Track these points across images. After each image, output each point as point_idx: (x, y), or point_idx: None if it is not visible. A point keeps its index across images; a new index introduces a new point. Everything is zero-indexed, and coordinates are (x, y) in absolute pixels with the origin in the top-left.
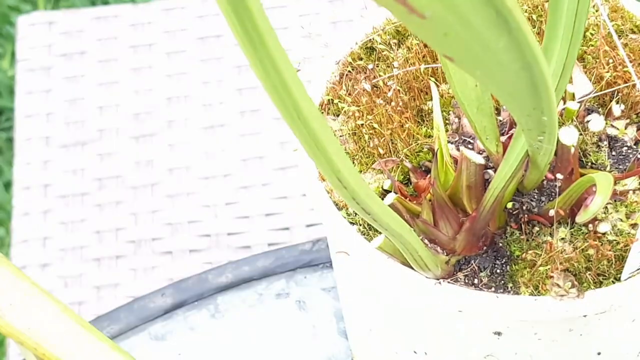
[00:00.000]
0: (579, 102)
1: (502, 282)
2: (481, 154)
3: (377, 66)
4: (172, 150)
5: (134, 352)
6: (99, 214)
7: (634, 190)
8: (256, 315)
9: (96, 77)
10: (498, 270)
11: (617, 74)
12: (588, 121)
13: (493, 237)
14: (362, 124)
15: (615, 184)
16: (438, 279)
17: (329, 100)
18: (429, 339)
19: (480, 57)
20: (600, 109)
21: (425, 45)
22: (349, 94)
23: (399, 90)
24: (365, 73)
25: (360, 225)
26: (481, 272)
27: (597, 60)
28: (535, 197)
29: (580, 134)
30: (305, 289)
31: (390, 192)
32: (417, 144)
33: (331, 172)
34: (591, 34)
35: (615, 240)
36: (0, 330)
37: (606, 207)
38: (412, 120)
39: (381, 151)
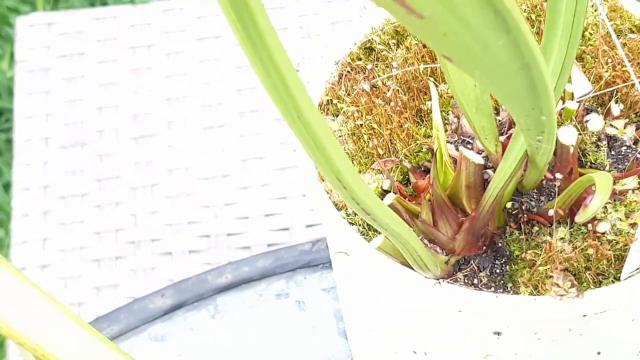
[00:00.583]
0: (578, 102)
1: (502, 282)
2: (480, 153)
3: (376, 66)
4: (172, 150)
5: (134, 353)
6: (98, 215)
7: (633, 190)
8: (256, 315)
9: (95, 78)
10: (497, 270)
11: (616, 73)
12: (587, 121)
13: (492, 237)
14: (361, 124)
15: (614, 183)
16: (437, 279)
17: (328, 100)
18: (428, 339)
19: (479, 57)
20: (599, 109)
21: (424, 46)
22: (348, 94)
23: (398, 90)
24: (365, 73)
25: (360, 225)
26: (481, 272)
27: (596, 59)
28: (535, 196)
29: (580, 134)
30: (305, 289)
31: (390, 192)
32: (416, 144)
33: (330, 172)
34: (590, 33)
35: (615, 239)
36: (0, 332)
37: (605, 207)
38: (411, 121)
39: (380, 151)
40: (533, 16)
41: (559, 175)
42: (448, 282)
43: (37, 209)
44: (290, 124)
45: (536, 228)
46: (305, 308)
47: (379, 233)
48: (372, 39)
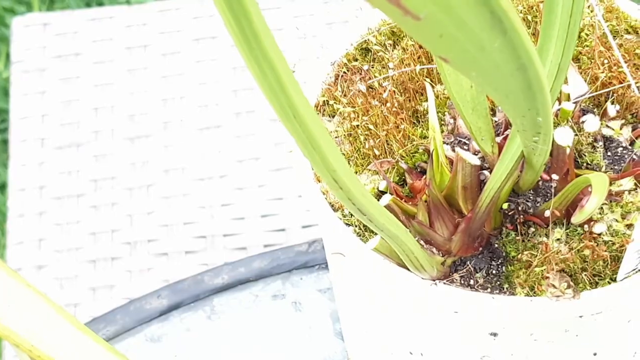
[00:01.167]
0: (574, 103)
1: (498, 283)
2: (477, 154)
3: (373, 67)
4: (168, 151)
5: (130, 353)
6: (94, 216)
7: (629, 191)
8: (252, 316)
9: (91, 78)
10: (494, 271)
11: (612, 74)
12: (583, 122)
13: (489, 238)
14: (358, 125)
15: (610, 184)
16: (434, 280)
17: (324, 101)
18: (425, 340)
19: (475, 58)
20: (595, 110)
21: (421, 46)
22: (345, 95)
23: (394, 91)
24: (361, 74)
25: (356, 226)
26: (477, 273)
27: (592, 60)
28: (531, 197)
29: (576, 135)
30: (301, 290)
31: (386, 193)
32: (413, 145)
33: (327, 172)
34: (586, 34)
35: (611, 240)
36: None
37: (601, 208)
38: (407, 121)
39: (377, 152)
40: (529, 17)
41: (555, 176)
42: (444, 283)
43: (32, 210)
44: (286, 124)
45: (532, 229)
46: (302, 309)
47: (375, 234)
48: (369, 40)
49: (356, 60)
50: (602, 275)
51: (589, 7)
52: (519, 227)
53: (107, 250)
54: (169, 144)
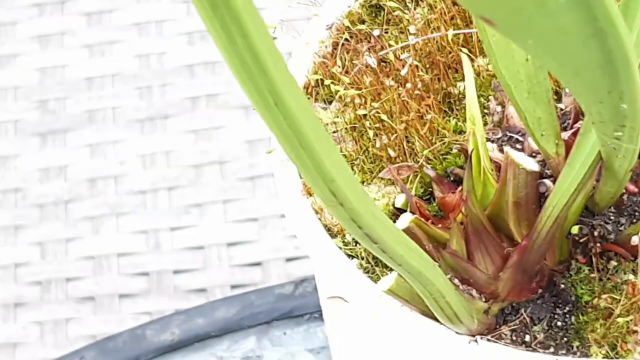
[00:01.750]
0: None
1: (565, 339)
2: (534, 157)
3: (386, 32)
4: (94, 153)
5: None
6: None
7: None
8: None
9: None
10: (559, 323)
11: None
12: None
13: (552, 275)
14: (365, 115)
15: None
16: (474, 336)
17: (317, 80)
18: None
19: (532, 19)
20: None
21: (455, 3)
22: (346, 72)
23: (417, 66)
24: (369, 42)
25: (363, 259)
26: (535, 325)
27: None
28: (612, 218)
29: None
30: (284, 349)
31: (405, 211)
32: (444, 143)
33: (321, 182)
34: None
35: None
36: None
37: None
38: (436, 109)
39: (392, 153)
40: None
41: None
42: (488, 340)
43: None
44: (264, 114)
45: (614, 263)
46: None
47: (391, 270)
48: None
49: (363, 22)
50: None
51: None
52: (594, 260)
53: (8, 293)
54: (95, 143)
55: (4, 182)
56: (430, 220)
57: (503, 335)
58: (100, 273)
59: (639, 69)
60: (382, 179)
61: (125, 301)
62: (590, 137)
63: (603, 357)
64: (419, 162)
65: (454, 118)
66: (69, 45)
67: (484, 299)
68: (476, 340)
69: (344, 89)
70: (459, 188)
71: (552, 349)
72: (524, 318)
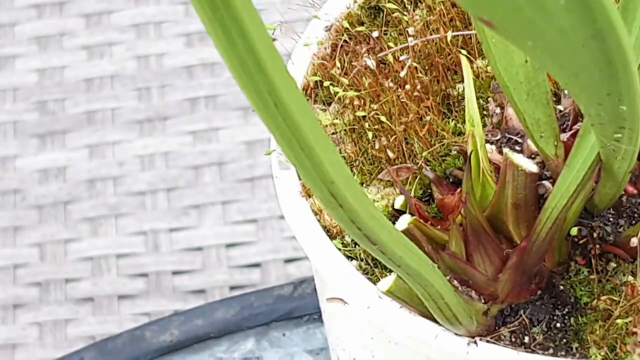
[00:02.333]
0: None
1: (565, 340)
2: (533, 158)
3: (385, 34)
4: (93, 154)
5: None
6: None
7: None
8: None
9: None
10: (558, 324)
11: None
12: None
13: (551, 277)
14: (364, 117)
15: None
16: (473, 337)
17: (316, 82)
18: None
19: (532, 21)
20: None
21: (454, 4)
22: (345, 74)
23: (416, 68)
24: (369, 43)
25: (362, 260)
26: (534, 326)
27: None
28: (611, 219)
29: None
30: (283, 351)
31: (405, 212)
32: (443, 145)
33: (321, 184)
34: None
35: None
36: None
37: None
38: (435, 111)
39: (391, 155)
40: None
41: None
42: (488, 341)
43: None
44: (263, 115)
45: (613, 264)
46: None
47: (390, 271)
48: None
49: (362, 23)
50: None
51: None
52: (593, 261)
53: (7, 294)
54: (94, 144)
55: (3, 183)
56: (429, 222)
57: (502, 337)
58: (99, 274)
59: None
60: (381, 180)
61: (124, 302)
62: (589, 139)
63: (602, 359)
64: (418, 163)
65: (453, 119)
66: (68, 47)
67: (483, 301)
68: (475, 342)
69: (343, 91)
70: (458, 189)
71: (551, 350)
72: (523, 319)
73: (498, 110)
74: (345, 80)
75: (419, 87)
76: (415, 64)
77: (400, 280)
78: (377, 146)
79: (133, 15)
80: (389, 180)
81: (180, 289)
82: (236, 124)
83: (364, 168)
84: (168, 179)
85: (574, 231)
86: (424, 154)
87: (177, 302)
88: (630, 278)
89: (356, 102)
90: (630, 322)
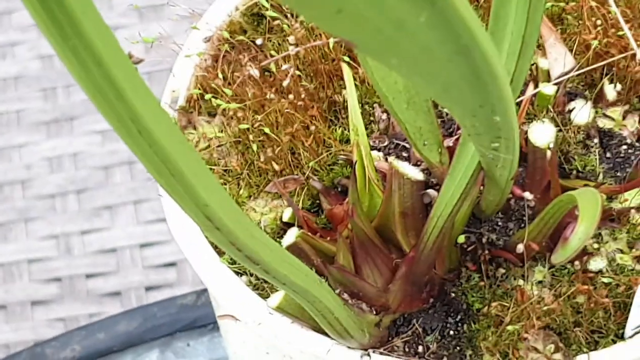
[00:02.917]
0: (556, 84)
1: (458, 348)
2: (419, 165)
3: (269, 41)
4: (0, 157)
5: None
6: None
7: (637, 208)
8: None
9: None
10: (451, 332)
11: (609, 40)
12: (570, 110)
13: (442, 284)
14: (249, 128)
15: (610, 199)
16: (366, 349)
17: (199, 94)
18: None
19: (393, 40)
20: (587, 92)
21: None
22: (229, 84)
23: (299, 76)
24: (251, 52)
25: (252, 275)
26: (428, 335)
27: (581, 21)
28: (499, 224)
29: (560, 130)
30: None
31: (293, 225)
32: (330, 154)
33: (195, 208)
34: None
35: (614, 281)
36: None
37: (599, 235)
38: (321, 120)
39: (277, 166)
40: None
41: (528, 195)
42: (381, 353)
43: None
44: (128, 142)
45: (502, 270)
46: None
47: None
48: (260, 2)
49: (244, 32)
50: (604, 332)
51: None
52: (483, 267)
53: None
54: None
55: None
56: (318, 234)
57: (395, 348)
58: (10, 280)
59: (511, 78)
60: (269, 192)
61: (38, 308)
62: (469, 147)
63: None
64: (305, 174)
65: (340, 126)
66: None
67: (374, 312)
68: (369, 354)
69: (226, 102)
70: (347, 199)
71: (445, 359)
72: (416, 329)
73: (384, 116)
74: (228, 92)
75: (303, 95)
76: (298, 72)
77: (289, 296)
78: (262, 158)
79: None
80: (276, 193)
81: (95, 292)
82: None
83: (250, 181)
84: (77, 181)
85: (461, 239)
86: (311, 164)
87: (92, 306)
88: (521, 282)
89: (240, 114)
90: (521, 327)
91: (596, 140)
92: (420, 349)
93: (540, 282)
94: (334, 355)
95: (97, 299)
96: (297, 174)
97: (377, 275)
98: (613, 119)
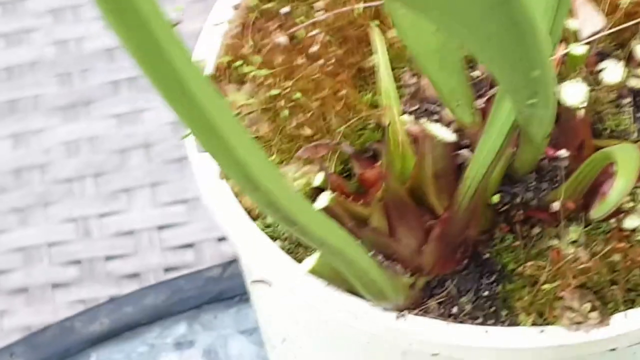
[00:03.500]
0: (587, 44)
1: (493, 309)
2: (450, 127)
3: (296, 9)
4: (17, 143)
5: None
6: None
7: None
8: None
9: None
10: (486, 293)
11: None
12: (601, 70)
13: (476, 245)
14: (279, 94)
15: None
16: (400, 311)
17: (228, 62)
18: None
19: None
20: (618, 52)
21: None
22: (258, 52)
23: (328, 42)
24: (279, 20)
25: (286, 240)
26: (462, 296)
27: None
28: (533, 184)
29: (592, 90)
30: (216, 333)
31: (324, 190)
32: (360, 119)
33: (235, 168)
34: None
35: None
36: None
37: (634, 192)
38: (350, 85)
39: (308, 132)
40: None
41: (563, 153)
42: (416, 314)
43: None
44: (172, 104)
45: (537, 229)
46: None
47: (314, 250)
48: None
49: (270, 0)
50: None
51: None
52: (517, 227)
53: None
54: (17, 132)
55: None
56: (350, 198)
57: (430, 309)
58: (31, 264)
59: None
60: (300, 158)
61: (58, 291)
62: (505, 106)
63: (531, 325)
64: (336, 139)
65: (369, 92)
66: None
67: (408, 274)
68: (404, 315)
69: (256, 70)
70: (378, 163)
71: (480, 320)
72: (451, 290)
73: (414, 80)
74: (257, 59)
75: (332, 61)
76: (328, 38)
77: (324, 259)
78: (293, 124)
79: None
80: (307, 158)
81: (114, 274)
82: (160, 105)
83: (282, 147)
84: (95, 164)
85: (495, 199)
86: (341, 128)
87: (112, 288)
88: (556, 242)
89: (269, 81)
90: (557, 286)
91: (629, 100)
92: (454, 310)
93: (575, 241)
94: (369, 317)
95: (117, 280)
96: (327, 139)
97: (411, 237)
98: None
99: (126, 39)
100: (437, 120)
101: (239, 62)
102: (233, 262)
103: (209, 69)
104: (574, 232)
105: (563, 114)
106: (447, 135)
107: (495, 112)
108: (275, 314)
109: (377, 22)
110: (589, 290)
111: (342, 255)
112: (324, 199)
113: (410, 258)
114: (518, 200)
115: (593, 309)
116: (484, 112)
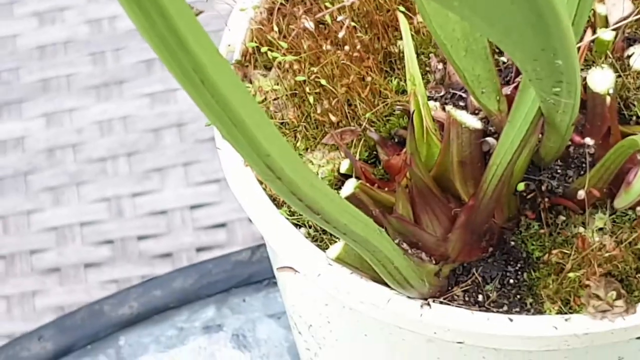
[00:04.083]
0: (614, 30)
1: (518, 296)
2: (477, 114)
3: None
4: (50, 123)
5: None
6: None
7: None
8: (177, 359)
9: None
10: (511, 281)
11: None
12: (629, 56)
13: (501, 233)
14: (305, 80)
15: None
16: (426, 299)
17: (254, 48)
18: None
19: None
20: None
21: None
22: (284, 37)
23: (355, 27)
24: (306, 5)
25: (311, 227)
26: (487, 284)
27: None
28: (559, 171)
29: (619, 76)
30: (244, 317)
31: (351, 176)
32: (386, 105)
33: (257, 158)
34: None
35: None
36: None
37: None
38: (376, 71)
39: (334, 118)
40: None
41: (589, 141)
42: (441, 303)
43: None
44: (191, 93)
45: (563, 217)
46: (248, 344)
47: (338, 238)
48: None
49: None
50: None
51: None
52: (543, 215)
53: None
54: (50, 112)
55: None
56: (376, 185)
57: (455, 297)
58: (64, 244)
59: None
60: (325, 144)
61: (90, 270)
62: (529, 93)
63: (557, 313)
64: (362, 125)
65: (395, 78)
66: (18, 14)
67: (434, 262)
68: (429, 304)
69: (282, 55)
70: (404, 150)
71: (505, 307)
72: (476, 278)
73: (440, 66)
74: (284, 44)
75: (358, 47)
76: (354, 24)
77: (349, 246)
78: (319, 110)
79: None
80: (333, 144)
81: (146, 254)
82: None
83: (307, 133)
84: (128, 144)
85: (521, 186)
86: (368, 115)
87: (144, 267)
88: (581, 229)
89: (296, 67)
90: (582, 274)
91: None
92: (480, 298)
93: (600, 229)
94: (394, 305)
95: (149, 260)
96: (353, 126)
97: (437, 224)
98: None
99: (145, 27)
100: (463, 107)
101: (265, 48)
102: (262, 245)
103: (235, 55)
104: (600, 219)
105: (589, 100)
106: (473, 122)
107: (519, 100)
108: (300, 301)
109: (403, 7)
110: (614, 278)
111: (366, 243)
112: (350, 186)
113: (435, 246)
114: (544, 187)
115: (618, 297)
116: (510, 99)
